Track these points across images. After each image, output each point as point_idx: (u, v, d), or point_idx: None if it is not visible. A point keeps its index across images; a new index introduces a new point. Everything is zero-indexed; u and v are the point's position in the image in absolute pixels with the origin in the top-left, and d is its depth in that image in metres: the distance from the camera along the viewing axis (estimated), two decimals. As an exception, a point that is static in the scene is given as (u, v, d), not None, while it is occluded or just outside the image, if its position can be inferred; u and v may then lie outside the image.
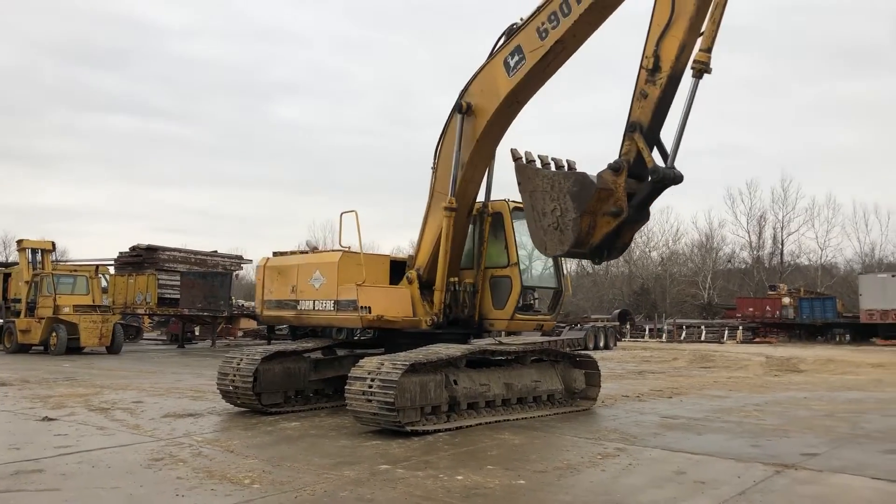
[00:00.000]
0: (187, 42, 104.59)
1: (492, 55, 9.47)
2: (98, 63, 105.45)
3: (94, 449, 7.58)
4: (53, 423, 9.24)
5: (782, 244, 62.91)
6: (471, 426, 9.03)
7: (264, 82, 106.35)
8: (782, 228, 62.55)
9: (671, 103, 7.62)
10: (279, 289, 11.11)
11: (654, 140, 7.62)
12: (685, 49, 7.49)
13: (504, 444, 8.04)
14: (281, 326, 18.56)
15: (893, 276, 40.72)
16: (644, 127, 7.54)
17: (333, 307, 10.18)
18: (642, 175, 7.58)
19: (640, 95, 7.63)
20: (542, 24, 8.72)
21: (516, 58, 9.01)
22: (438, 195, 10.23)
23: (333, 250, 11.25)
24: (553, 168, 8.32)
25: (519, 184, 8.23)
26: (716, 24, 7.43)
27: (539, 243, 8.07)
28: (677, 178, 7.55)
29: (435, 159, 10.35)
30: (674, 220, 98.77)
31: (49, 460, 7.01)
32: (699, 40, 7.46)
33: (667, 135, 7.68)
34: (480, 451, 7.66)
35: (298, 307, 10.79)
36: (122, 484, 6.09)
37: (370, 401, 8.32)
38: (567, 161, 8.61)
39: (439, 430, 8.66)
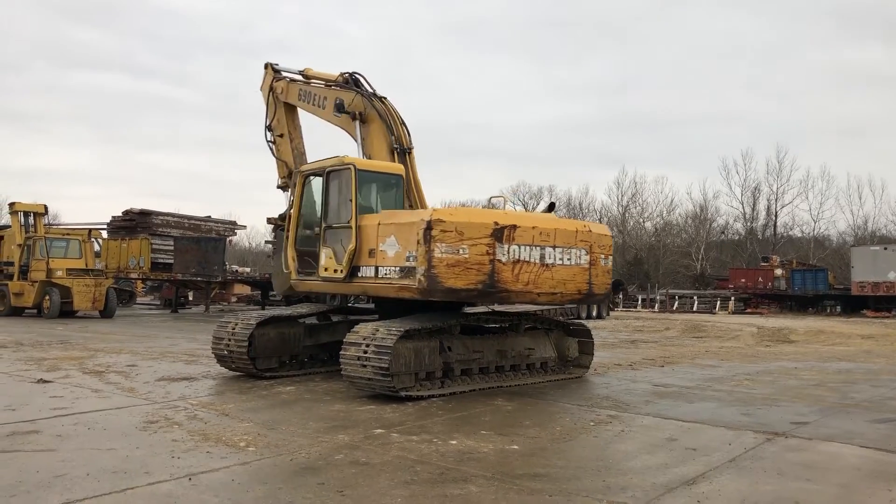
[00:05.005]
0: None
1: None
2: (82, 17, 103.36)
3: (89, 411, 7.62)
4: (48, 386, 9.27)
5: (776, 216, 63.06)
6: (464, 392, 9.10)
7: (254, 40, 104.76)
8: (776, 200, 62.63)
9: None
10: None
11: None
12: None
13: (498, 410, 8.10)
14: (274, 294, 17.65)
15: (885, 248, 40.87)
16: None
17: None
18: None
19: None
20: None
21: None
22: None
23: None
24: None
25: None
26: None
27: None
28: None
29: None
30: (668, 190, 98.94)
31: (45, 422, 7.04)
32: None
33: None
34: (474, 416, 7.72)
35: None
36: (117, 445, 6.12)
37: (365, 366, 8.36)
38: None
39: (433, 396, 8.72)
